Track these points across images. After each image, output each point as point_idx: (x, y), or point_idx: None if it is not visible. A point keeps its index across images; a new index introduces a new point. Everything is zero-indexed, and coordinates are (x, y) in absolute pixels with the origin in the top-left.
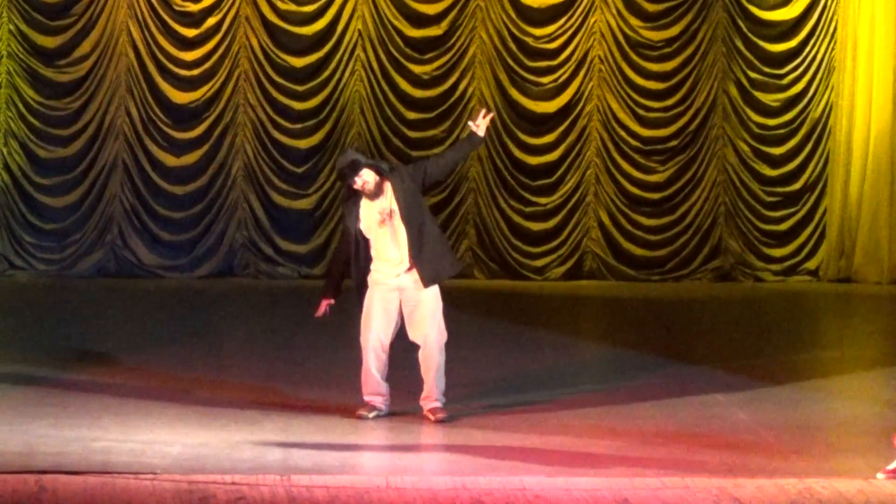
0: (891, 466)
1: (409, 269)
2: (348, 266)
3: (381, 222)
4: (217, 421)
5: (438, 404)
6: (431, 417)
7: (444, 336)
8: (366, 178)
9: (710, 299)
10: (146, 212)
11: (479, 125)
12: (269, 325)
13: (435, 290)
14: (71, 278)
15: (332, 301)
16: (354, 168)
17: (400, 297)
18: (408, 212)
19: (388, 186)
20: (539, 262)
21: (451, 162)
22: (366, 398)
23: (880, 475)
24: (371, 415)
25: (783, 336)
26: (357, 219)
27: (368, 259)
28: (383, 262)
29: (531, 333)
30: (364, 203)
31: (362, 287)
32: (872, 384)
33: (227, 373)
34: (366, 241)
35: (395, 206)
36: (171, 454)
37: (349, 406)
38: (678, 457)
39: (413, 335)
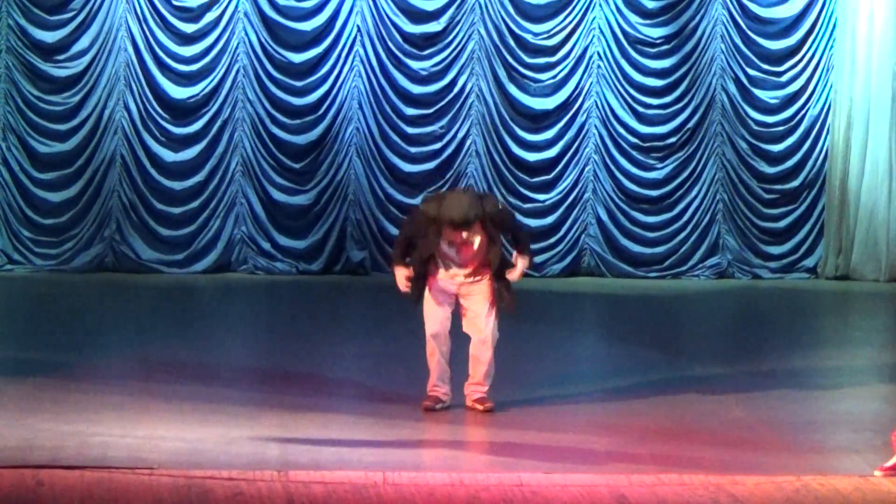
0: (888, 464)
1: (471, 274)
2: (412, 246)
3: (462, 245)
4: (215, 416)
5: (484, 394)
6: (479, 407)
7: (496, 333)
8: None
9: (708, 296)
10: (144, 207)
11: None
12: (266, 320)
13: (489, 286)
14: (69, 273)
15: (410, 273)
16: (468, 225)
17: (457, 293)
18: (489, 243)
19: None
20: (537, 259)
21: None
22: (431, 391)
23: (877, 472)
24: (438, 406)
25: (781, 333)
26: (437, 234)
27: (432, 255)
28: (448, 265)
29: (529, 330)
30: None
31: (420, 278)
32: (870, 381)
33: (224, 368)
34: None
35: (479, 238)
36: (168, 449)
37: (346, 401)
38: (676, 453)
39: (467, 327)
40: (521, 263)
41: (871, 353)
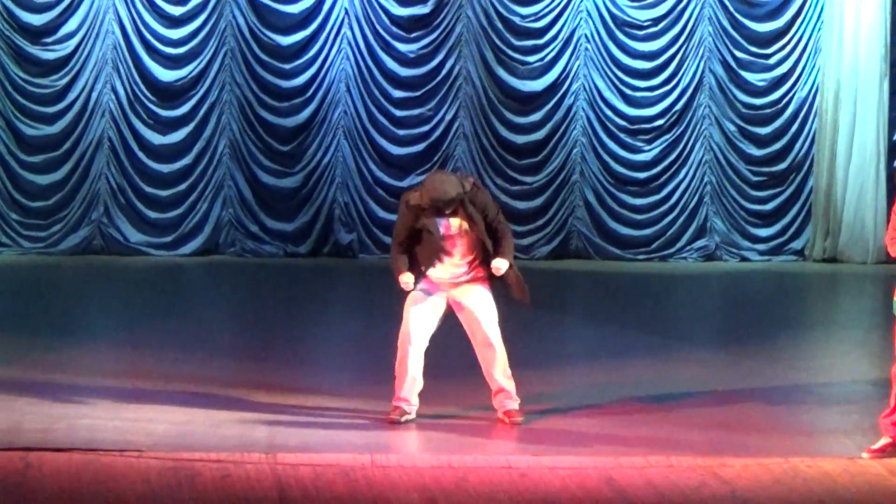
0: (876, 446)
1: (468, 273)
2: (409, 245)
3: (451, 233)
4: (202, 399)
5: (514, 405)
6: (507, 420)
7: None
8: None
9: (696, 279)
10: (132, 189)
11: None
12: (254, 303)
13: (488, 292)
14: (57, 256)
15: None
16: (451, 204)
17: (448, 300)
18: (480, 228)
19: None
20: (525, 241)
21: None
22: (396, 403)
23: (865, 454)
24: (402, 419)
25: (769, 316)
26: (426, 221)
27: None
28: (444, 263)
29: (516, 312)
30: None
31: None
32: (858, 363)
33: (212, 351)
34: (429, 235)
35: (467, 224)
36: (156, 432)
37: (334, 384)
38: (663, 436)
39: (470, 331)
40: (500, 263)
41: (859, 336)
